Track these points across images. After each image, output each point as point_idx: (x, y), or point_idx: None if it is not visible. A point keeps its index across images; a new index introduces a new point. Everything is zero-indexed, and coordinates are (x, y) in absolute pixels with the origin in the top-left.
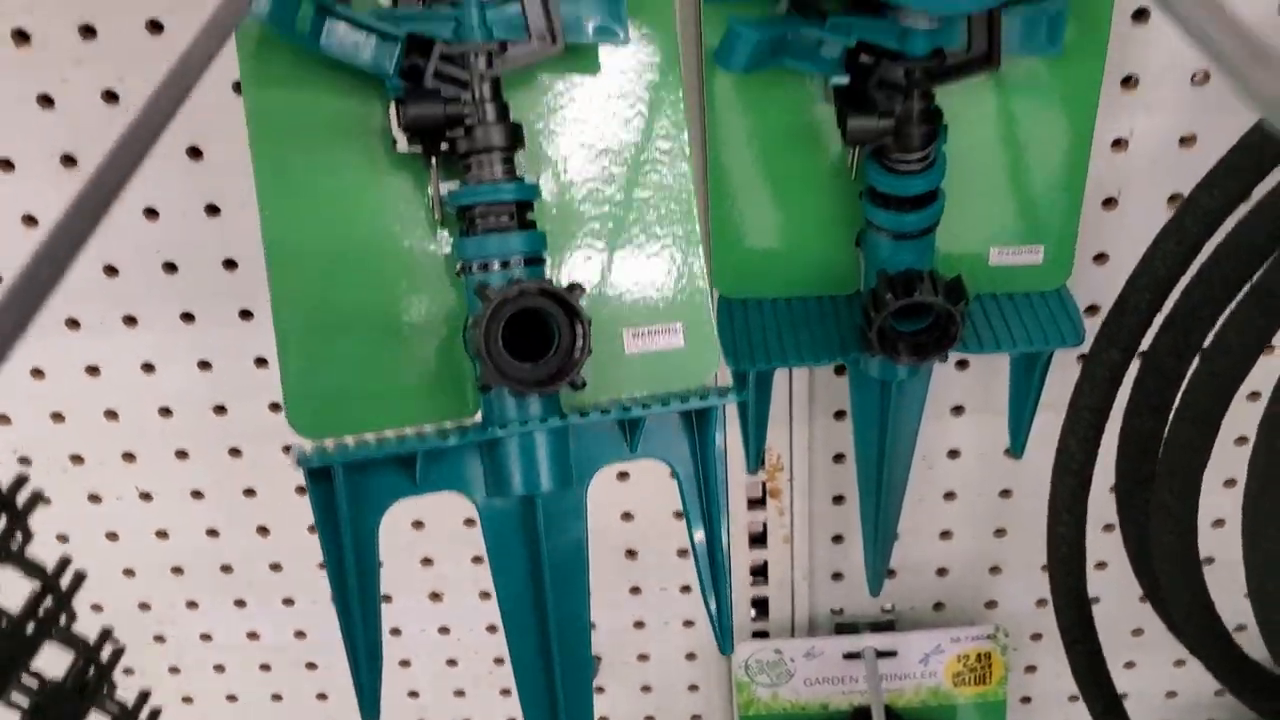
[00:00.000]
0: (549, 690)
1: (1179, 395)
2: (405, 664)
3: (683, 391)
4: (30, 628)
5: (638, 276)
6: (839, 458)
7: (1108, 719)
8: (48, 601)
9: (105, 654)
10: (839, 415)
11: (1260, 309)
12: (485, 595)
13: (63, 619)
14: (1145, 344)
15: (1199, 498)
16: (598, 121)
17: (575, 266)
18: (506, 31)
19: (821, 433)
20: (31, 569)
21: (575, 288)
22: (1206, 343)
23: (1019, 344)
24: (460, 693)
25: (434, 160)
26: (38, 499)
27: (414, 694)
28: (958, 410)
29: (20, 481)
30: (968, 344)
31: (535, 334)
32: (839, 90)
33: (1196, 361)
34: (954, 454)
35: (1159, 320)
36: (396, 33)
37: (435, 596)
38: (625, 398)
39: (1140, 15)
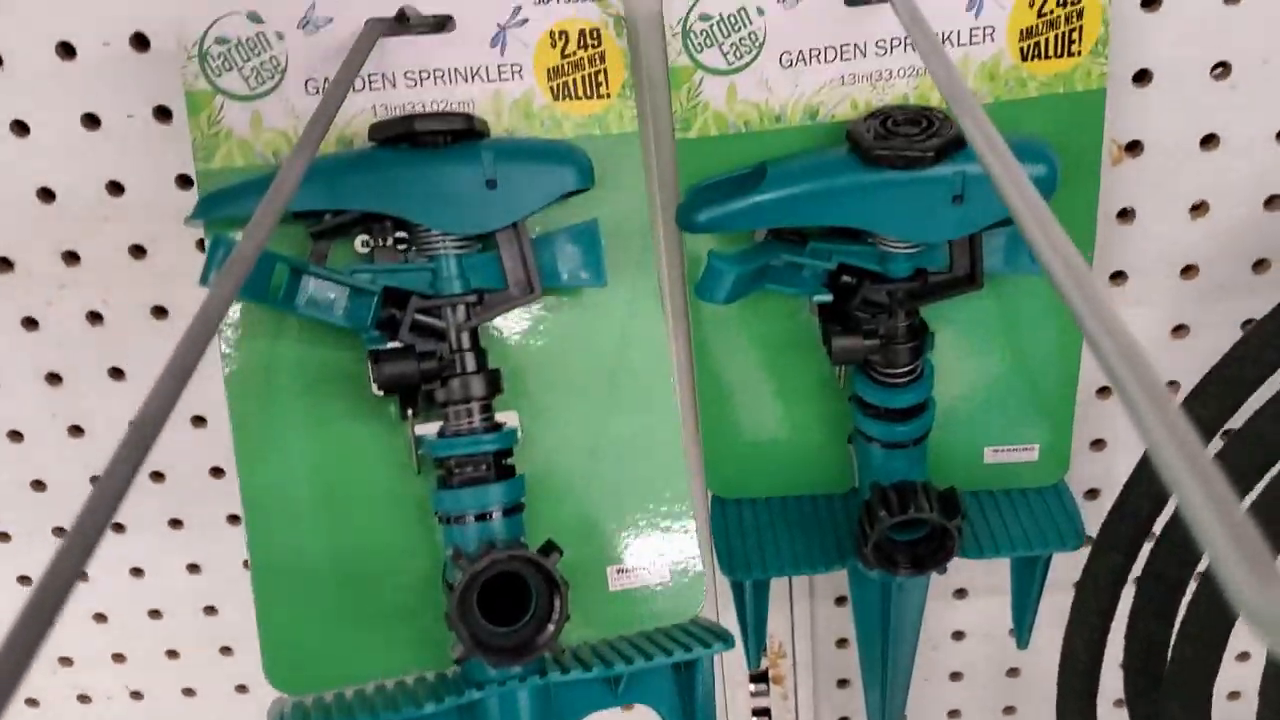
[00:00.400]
0: None
1: (1183, 605)
2: None
3: (669, 632)
4: None
5: (623, 517)
6: (842, 642)
7: None
8: None
9: None
10: (840, 601)
11: (1263, 522)
12: None
13: None
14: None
15: (1210, 714)
16: (579, 359)
17: (557, 509)
18: (484, 280)
19: (823, 618)
20: None
21: (552, 550)
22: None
23: (1017, 547)
24: None
25: (410, 412)
26: None
27: None
28: (960, 593)
29: None
30: (966, 549)
31: (512, 589)
32: (823, 308)
33: (1201, 570)
34: (959, 635)
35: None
36: (372, 288)
37: None
38: (610, 639)
39: (1125, 214)
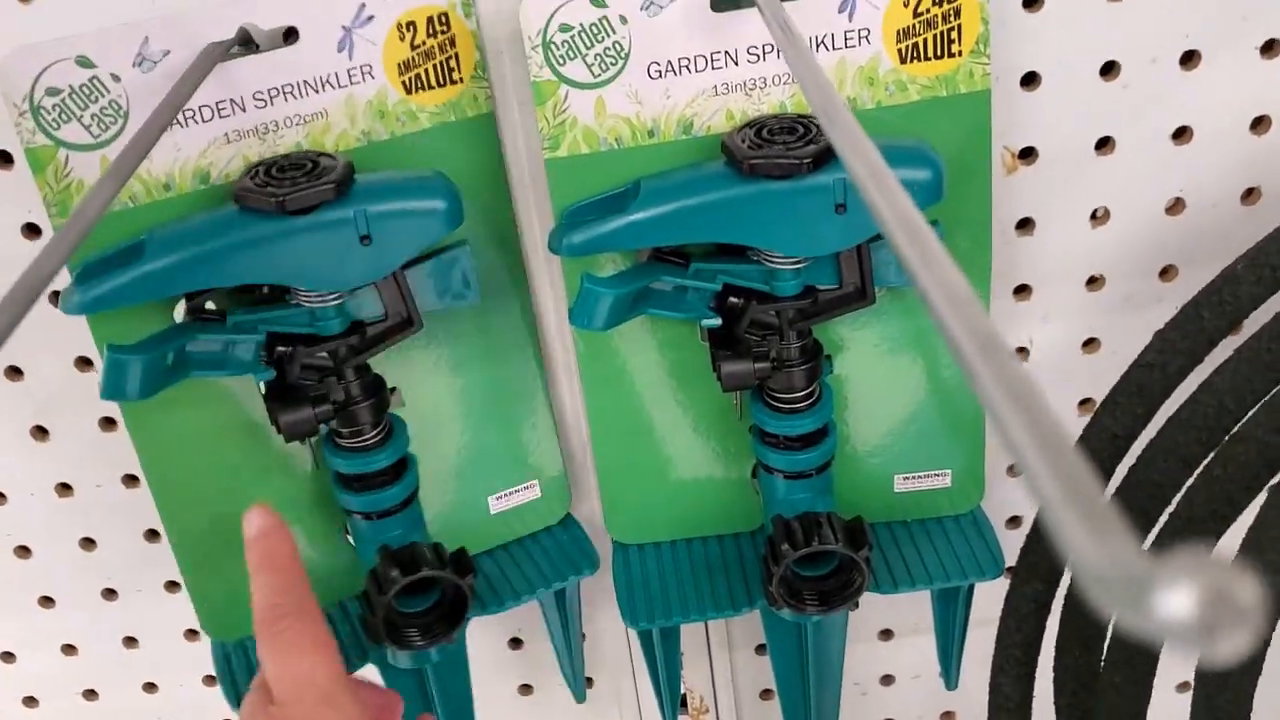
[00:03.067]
0: None
1: (1109, 633)
2: None
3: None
4: None
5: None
6: (766, 693)
7: None
8: None
9: None
10: (760, 649)
11: (1182, 543)
12: None
13: None
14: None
15: None
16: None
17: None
18: (364, 312)
19: (744, 668)
20: None
21: (466, 572)
22: None
23: (934, 579)
24: None
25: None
26: None
27: None
28: (885, 634)
29: None
30: (880, 584)
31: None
32: (712, 332)
33: None
34: (887, 679)
35: None
36: (257, 338)
37: None
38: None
39: (1024, 225)
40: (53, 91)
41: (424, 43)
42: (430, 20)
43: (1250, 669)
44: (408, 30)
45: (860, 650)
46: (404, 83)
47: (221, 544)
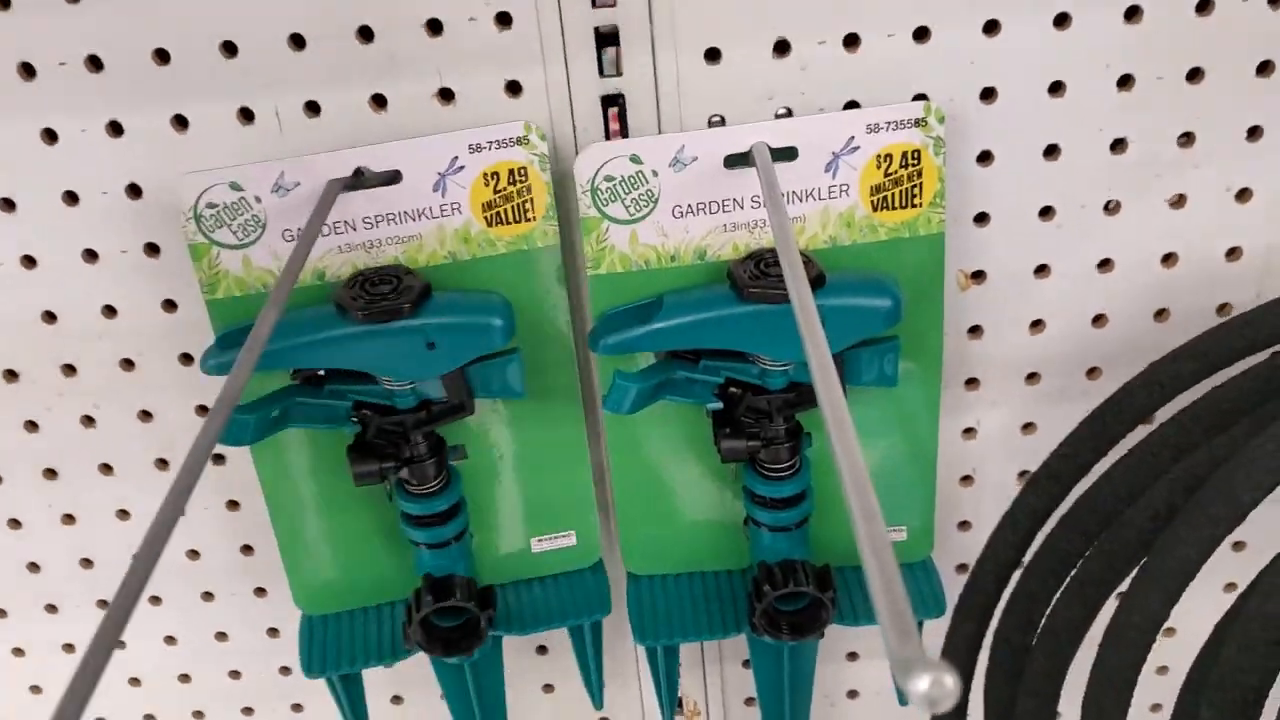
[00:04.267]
0: None
1: (1025, 670)
2: None
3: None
4: None
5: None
6: (750, 700)
7: None
8: None
9: None
10: (746, 664)
11: (1079, 599)
12: None
13: None
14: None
15: None
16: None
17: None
18: (433, 393)
19: (732, 679)
20: None
21: (487, 605)
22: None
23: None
24: None
25: (388, 482)
26: None
27: None
28: (852, 656)
29: None
30: (845, 617)
31: None
32: (714, 413)
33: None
34: (853, 694)
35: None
36: (346, 404)
37: None
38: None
39: (975, 330)
40: (211, 205)
41: (505, 189)
42: (511, 172)
43: None
44: (492, 178)
45: (830, 669)
46: (486, 218)
47: (318, 535)
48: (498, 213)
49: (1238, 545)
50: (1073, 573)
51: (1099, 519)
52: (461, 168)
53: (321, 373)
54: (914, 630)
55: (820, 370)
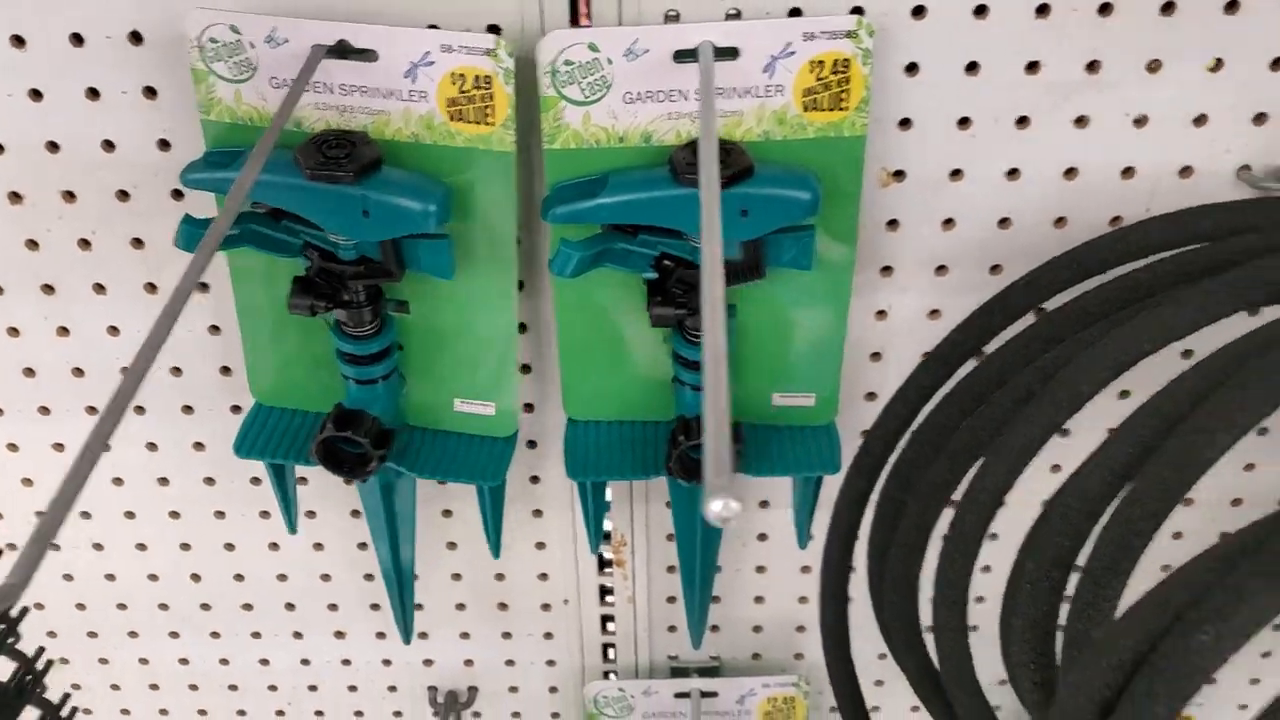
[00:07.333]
0: None
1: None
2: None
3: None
4: None
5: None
6: (670, 537)
7: None
8: None
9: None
10: (668, 504)
11: (948, 466)
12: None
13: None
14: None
15: (917, 602)
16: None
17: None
18: (371, 253)
19: (656, 517)
20: None
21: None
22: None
23: (791, 469)
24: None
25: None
26: None
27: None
28: (764, 504)
29: None
30: (750, 467)
31: None
32: (649, 283)
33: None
34: (763, 536)
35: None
36: (297, 240)
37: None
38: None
39: (892, 224)
40: (213, 40)
41: (470, 91)
42: (477, 78)
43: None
44: (459, 79)
45: (743, 515)
46: (450, 113)
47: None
48: (460, 110)
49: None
50: (956, 434)
51: (973, 398)
52: (432, 63)
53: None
54: (728, 467)
55: (709, 244)
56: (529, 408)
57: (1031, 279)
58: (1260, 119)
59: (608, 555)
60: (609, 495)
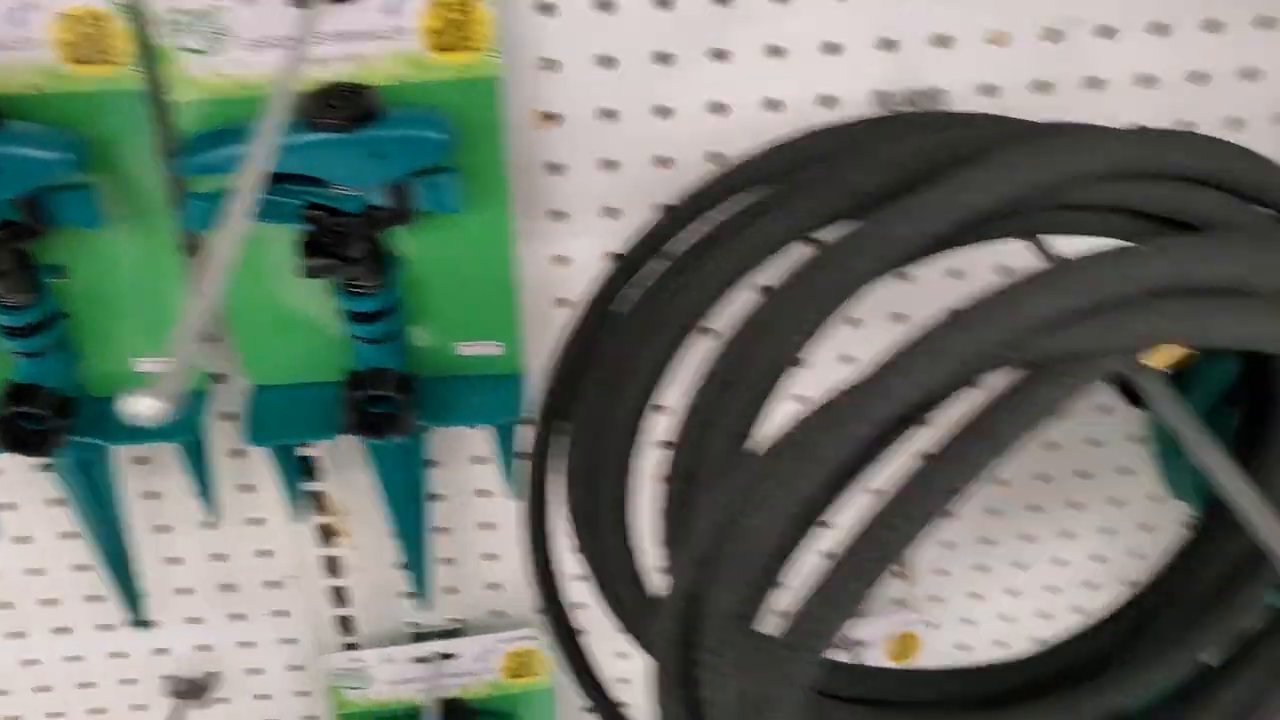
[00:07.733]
0: None
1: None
2: None
3: None
4: None
5: None
6: None
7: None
8: None
9: None
10: None
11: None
12: None
13: None
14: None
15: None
16: None
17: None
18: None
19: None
20: None
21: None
22: None
23: (469, 419)
24: None
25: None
26: None
27: None
28: (477, 459)
29: None
30: (435, 418)
31: None
32: (304, 235)
33: None
34: (483, 493)
35: None
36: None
37: None
38: None
39: (556, 168)
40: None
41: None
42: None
43: None
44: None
45: (458, 472)
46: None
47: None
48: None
49: None
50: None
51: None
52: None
53: None
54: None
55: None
56: (219, 378)
57: (672, 213)
58: (889, 45)
59: (332, 525)
60: (316, 462)
